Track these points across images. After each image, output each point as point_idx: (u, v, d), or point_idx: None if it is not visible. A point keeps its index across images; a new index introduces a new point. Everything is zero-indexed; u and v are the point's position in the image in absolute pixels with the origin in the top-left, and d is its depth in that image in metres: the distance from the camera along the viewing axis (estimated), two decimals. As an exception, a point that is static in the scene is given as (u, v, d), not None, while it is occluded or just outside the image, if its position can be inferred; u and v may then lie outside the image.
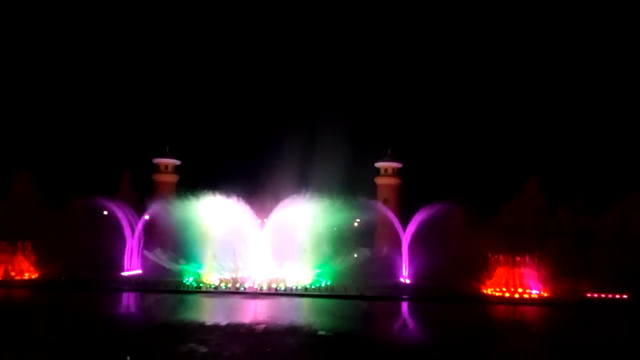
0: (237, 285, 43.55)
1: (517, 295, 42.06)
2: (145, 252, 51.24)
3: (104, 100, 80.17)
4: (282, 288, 42.59)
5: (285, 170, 56.71)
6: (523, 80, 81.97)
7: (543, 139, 74.67)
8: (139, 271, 52.61)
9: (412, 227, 50.20)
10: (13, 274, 46.29)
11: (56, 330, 26.12)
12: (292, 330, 26.56)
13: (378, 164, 66.84)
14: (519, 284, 42.70)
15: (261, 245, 47.05)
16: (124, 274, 51.14)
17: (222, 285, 43.87)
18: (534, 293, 42.35)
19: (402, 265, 50.32)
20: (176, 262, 47.21)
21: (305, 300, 38.99)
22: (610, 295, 41.38)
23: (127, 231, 53.16)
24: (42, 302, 36.95)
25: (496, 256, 44.06)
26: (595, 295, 41.74)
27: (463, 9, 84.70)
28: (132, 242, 53.34)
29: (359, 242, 55.45)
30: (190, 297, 39.63)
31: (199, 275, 45.96)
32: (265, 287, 42.78)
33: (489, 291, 43.42)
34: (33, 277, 46.99)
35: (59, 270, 47.41)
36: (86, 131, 75.90)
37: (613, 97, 76.28)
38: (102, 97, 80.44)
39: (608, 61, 79.08)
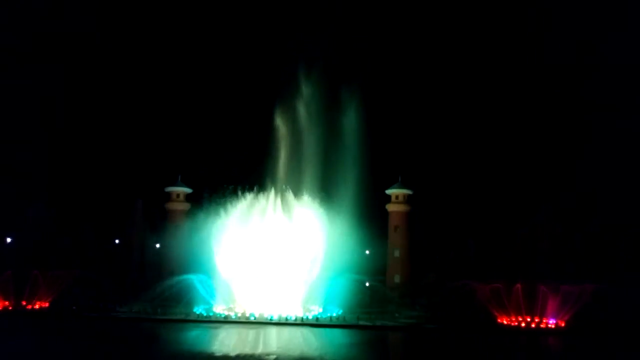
0: (247, 315, 43.19)
1: (533, 325, 41.08)
2: None
3: (117, 130, 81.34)
4: (293, 318, 42.12)
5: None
6: (538, 105, 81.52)
7: (556, 164, 73.95)
8: None
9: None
10: (24, 302, 46.47)
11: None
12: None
13: (389, 191, 66.60)
14: (536, 314, 41.72)
15: (270, 275, 46.86)
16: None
17: (233, 315, 43.51)
18: (551, 322, 41.29)
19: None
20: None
21: (316, 330, 38.49)
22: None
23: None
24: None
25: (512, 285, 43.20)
26: None
27: (475, 40, 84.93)
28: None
29: (370, 271, 54.81)
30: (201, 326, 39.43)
31: (210, 305, 45.71)
32: (275, 317, 42.33)
33: (504, 321, 42.44)
34: (44, 306, 46.96)
35: (70, 299, 47.29)
36: (99, 160, 76.85)
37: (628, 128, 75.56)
38: (116, 127, 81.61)
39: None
